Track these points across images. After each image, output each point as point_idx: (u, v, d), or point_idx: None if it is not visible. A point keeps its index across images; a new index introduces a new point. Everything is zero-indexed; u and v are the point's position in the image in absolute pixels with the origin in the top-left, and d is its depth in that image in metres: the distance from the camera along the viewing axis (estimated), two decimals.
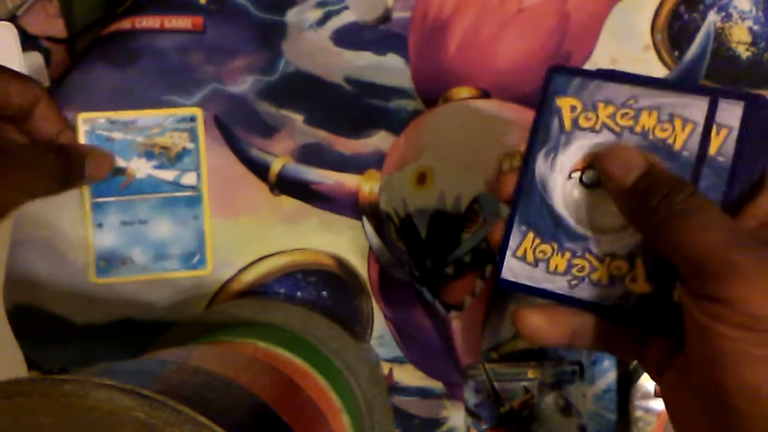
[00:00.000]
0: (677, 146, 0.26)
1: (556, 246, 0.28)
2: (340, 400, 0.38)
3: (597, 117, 0.28)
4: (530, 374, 0.44)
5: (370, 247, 0.46)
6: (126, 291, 0.47)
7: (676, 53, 0.44)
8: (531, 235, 0.28)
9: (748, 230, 0.25)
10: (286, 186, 0.47)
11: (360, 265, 0.47)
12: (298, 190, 0.47)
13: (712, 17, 0.44)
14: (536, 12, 0.45)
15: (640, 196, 0.25)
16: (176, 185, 0.47)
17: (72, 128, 0.43)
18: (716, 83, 0.44)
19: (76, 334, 0.47)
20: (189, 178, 0.47)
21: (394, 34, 0.46)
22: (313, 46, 0.46)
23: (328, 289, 0.47)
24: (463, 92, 0.45)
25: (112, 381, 0.24)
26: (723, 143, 0.26)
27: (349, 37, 0.46)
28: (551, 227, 0.28)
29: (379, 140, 0.46)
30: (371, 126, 0.46)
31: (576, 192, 0.28)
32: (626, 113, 0.27)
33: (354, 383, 0.41)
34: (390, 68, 0.46)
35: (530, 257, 0.28)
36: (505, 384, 0.45)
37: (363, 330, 0.47)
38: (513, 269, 0.29)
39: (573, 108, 0.28)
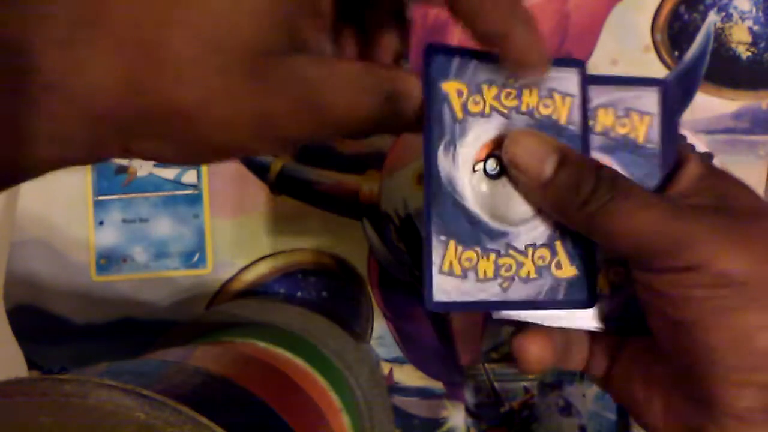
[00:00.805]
0: (562, 121, 0.26)
1: (479, 250, 0.26)
2: (340, 400, 0.38)
3: (484, 100, 0.26)
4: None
5: (370, 247, 0.46)
6: (126, 290, 0.47)
7: (676, 53, 0.44)
8: (452, 243, 0.26)
9: (680, 201, 0.25)
10: (286, 186, 0.47)
11: (360, 265, 0.47)
12: (298, 190, 0.47)
13: (712, 17, 0.44)
14: (536, 12, 0.45)
15: (563, 191, 0.24)
16: (177, 183, 0.47)
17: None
18: (716, 83, 0.44)
19: (76, 334, 0.47)
20: (189, 177, 0.47)
21: None
22: None
23: (328, 289, 0.47)
24: None
25: (113, 381, 0.24)
26: (649, 130, 0.26)
27: None
28: (469, 230, 0.26)
29: (379, 140, 0.46)
30: None
31: (483, 185, 0.26)
32: (509, 93, 0.26)
33: (354, 383, 0.41)
34: None
35: (457, 269, 0.26)
36: (505, 384, 0.45)
37: (363, 330, 0.47)
38: (444, 288, 0.26)
39: (459, 92, 0.26)
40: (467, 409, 0.45)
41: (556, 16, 0.45)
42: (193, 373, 0.29)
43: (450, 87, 0.26)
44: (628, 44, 0.45)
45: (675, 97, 0.26)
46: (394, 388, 0.47)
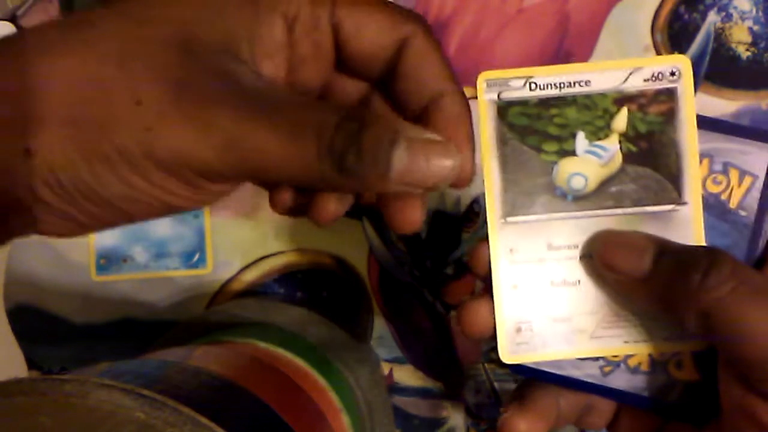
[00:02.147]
0: (732, 204, 0.23)
1: None
2: (340, 400, 0.38)
3: None
4: None
5: (370, 247, 0.46)
6: (126, 290, 0.47)
7: (676, 53, 0.44)
8: None
9: None
10: None
11: (360, 265, 0.47)
12: None
13: (712, 17, 0.44)
14: (536, 12, 0.45)
15: (668, 279, 0.21)
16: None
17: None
18: (716, 83, 0.44)
19: (76, 334, 0.47)
20: None
21: None
22: None
23: (328, 289, 0.47)
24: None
25: (113, 381, 0.24)
26: (746, 194, 0.22)
27: None
28: None
29: None
30: None
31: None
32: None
33: (354, 383, 0.41)
34: None
35: None
36: (505, 384, 0.45)
37: (363, 330, 0.47)
38: None
39: None
40: (467, 409, 0.45)
41: (556, 16, 0.45)
42: (193, 374, 0.29)
43: None
44: (628, 44, 0.45)
45: None
46: (394, 388, 0.47)
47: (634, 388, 0.24)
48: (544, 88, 0.23)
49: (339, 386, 0.39)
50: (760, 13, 0.44)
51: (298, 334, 0.42)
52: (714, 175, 0.23)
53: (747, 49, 0.44)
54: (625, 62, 0.22)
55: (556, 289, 0.23)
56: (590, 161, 0.22)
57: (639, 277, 0.21)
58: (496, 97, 0.23)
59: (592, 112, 0.22)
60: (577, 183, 0.23)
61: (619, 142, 0.22)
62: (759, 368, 0.20)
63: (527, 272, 0.23)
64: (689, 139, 0.22)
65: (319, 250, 0.47)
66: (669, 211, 0.22)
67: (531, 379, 0.26)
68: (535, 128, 0.23)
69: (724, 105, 0.44)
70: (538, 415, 0.24)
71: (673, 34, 0.44)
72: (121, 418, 0.22)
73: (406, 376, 0.47)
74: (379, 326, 0.47)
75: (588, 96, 0.22)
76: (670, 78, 0.22)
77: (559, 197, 0.23)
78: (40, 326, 0.47)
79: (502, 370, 0.45)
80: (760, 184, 0.22)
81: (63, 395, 0.23)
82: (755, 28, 0.44)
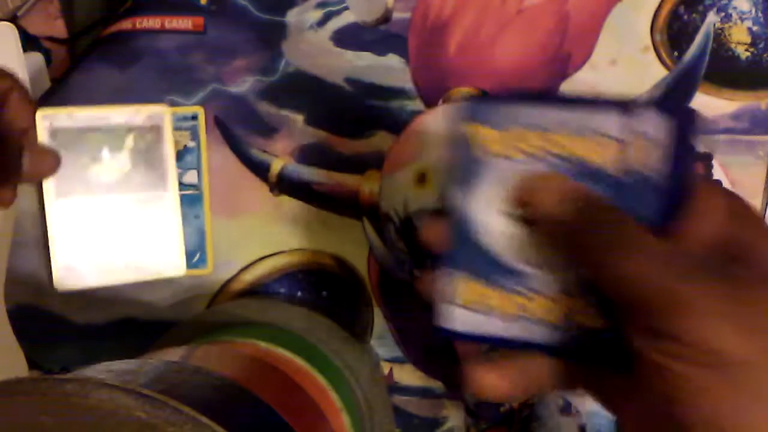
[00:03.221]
0: (603, 165, 0.24)
1: (497, 287, 0.26)
2: (340, 399, 0.38)
3: (512, 142, 0.26)
4: None
5: (370, 247, 0.46)
6: (126, 290, 0.47)
7: (676, 54, 0.44)
8: (468, 277, 0.26)
9: (690, 255, 0.23)
10: (286, 186, 0.47)
11: (360, 265, 0.47)
12: (298, 190, 0.47)
13: (712, 18, 0.44)
14: (536, 12, 0.45)
15: (571, 231, 0.24)
16: (178, 184, 0.47)
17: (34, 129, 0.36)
18: (716, 83, 0.44)
19: (76, 334, 0.47)
20: (190, 177, 0.47)
21: (395, 34, 0.46)
22: (313, 46, 0.46)
23: (328, 289, 0.47)
24: (462, 92, 0.45)
25: (113, 381, 0.24)
26: (650, 156, 0.24)
27: (350, 38, 0.46)
28: (489, 267, 0.26)
29: (379, 140, 0.46)
30: (371, 126, 0.46)
31: (512, 227, 0.26)
32: (543, 136, 0.25)
33: (354, 383, 0.41)
34: (390, 68, 0.46)
35: (471, 301, 0.26)
36: None
37: (363, 330, 0.47)
38: (453, 316, 0.26)
39: (485, 135, 0.26)
40: (467, 409, 0.45)
41: (556, 16, 0.45)
42: (193, 373, 0.29)
43: (475, 129, 0.26)
44: (627, 44, 0.45)
45: (689, 126, 0.23)
46: (394, 388, 0.47)
47: (548, 340, 0.25)
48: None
49: (339, 386, 0.39)
50: (759, 14, 0.44)
51: (298, 334, 0.42)
52: (581, 144, 0.24)
53: (746, 50, 0.44)
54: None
55: None
56: None
57: (552, 223, 0.24)
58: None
59: None
60: None
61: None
62: (636, 311, 0.22)
63: None
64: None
65: (319, 250, 0.47)
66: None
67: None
68: None
69: (723, 105, 0.44)
70: (508, 373, 0.26)
71: (673, 35, 0.44)
72: (122, 418, 0.23)
73: (406, 375, 0.47)
74: (379, 326, 0.47)
75: None
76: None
77: None
78: (40, 326, 0.47)
79: None
80: (622, 145, 0.24)
81: (64, 395, 0.23)
82: (754, 28, 0.44)
